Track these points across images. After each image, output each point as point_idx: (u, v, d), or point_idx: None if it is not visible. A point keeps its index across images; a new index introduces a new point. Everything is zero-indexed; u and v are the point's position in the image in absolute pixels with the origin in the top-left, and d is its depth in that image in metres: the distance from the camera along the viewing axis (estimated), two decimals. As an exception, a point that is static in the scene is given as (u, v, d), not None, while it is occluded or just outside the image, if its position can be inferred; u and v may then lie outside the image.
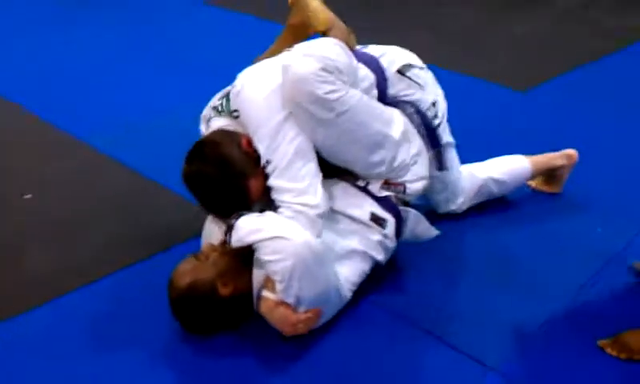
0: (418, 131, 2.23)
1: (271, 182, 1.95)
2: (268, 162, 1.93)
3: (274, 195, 1.95)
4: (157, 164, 2.88)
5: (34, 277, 2.23)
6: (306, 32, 2.24)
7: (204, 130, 2.18)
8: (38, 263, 2.29)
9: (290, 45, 2.14)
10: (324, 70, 1.89)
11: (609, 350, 1.92)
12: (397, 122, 2.13)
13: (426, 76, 2.32)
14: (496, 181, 2.58)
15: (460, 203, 2.52)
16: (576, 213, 2.63)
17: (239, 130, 2.03)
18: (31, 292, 2.16)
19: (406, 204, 2.19)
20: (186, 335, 1.97)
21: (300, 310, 1.86)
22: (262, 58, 2.22)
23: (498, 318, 2.07)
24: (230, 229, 1.90)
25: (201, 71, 3.94)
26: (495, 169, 2.61)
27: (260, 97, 1.96)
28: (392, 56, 2.27)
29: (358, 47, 2.28)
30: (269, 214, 1.93)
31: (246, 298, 1.92)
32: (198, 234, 2.19)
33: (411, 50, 2.36)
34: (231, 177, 1.95)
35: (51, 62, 4.10)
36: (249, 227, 1.87)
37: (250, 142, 1.98)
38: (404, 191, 2.14)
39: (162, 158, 2.89)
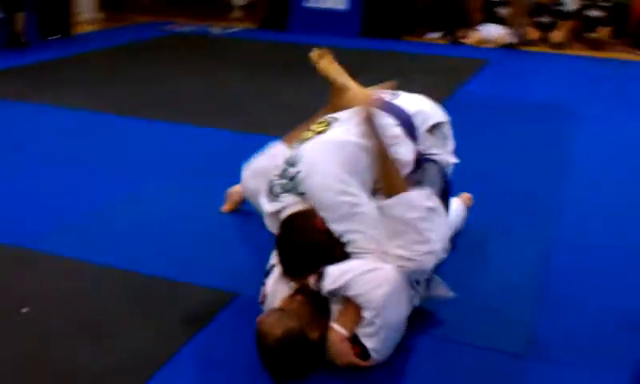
0: (438, 192, 2.33)
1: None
2: (342, 236, 2.15)
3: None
4: (135, 255, 2.90)
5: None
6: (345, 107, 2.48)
7: (270, 201, 2.31)
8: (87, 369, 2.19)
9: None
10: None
11: None
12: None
13: (447, 129, 2.51)
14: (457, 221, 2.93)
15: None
16: (490, 238, 3.05)
17: (307, 206, 2.20)
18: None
19: None
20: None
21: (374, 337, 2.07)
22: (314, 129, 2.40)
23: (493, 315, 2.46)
24: (320, 276, 2.09)
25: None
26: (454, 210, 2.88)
27: (327, 185, 2.17)
28: (425, 113, 2.44)
29: (391, 96, 2.48)
30: (349, 260, 2.13)
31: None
32: (215, 316, 2.42)
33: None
34: (324, 254, 2.14)
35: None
36: (339, 271, 2.09)
37: (322, 221, 2.15)
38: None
39: (139, 247, 2.97)
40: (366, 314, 2.06)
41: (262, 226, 2.41)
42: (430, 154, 2.42)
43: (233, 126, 4.73)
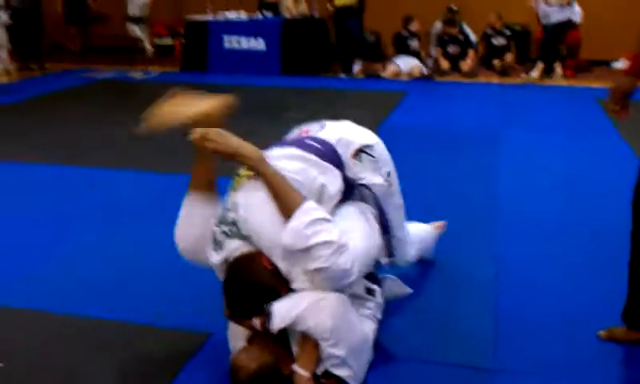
0: (374, 215, 2.40)
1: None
2: (289, 272, 2.17)
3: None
4: (101, 302, 2.90)
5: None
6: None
7: (215, 251, 2.29)
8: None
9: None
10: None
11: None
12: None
13: (378, 149, 2.50)
14: (425, 239, 3.07)
15: (414, 255, 2.85)
16: (437, 260, 3.20)
17: (252, 248, 2.22)
18: None
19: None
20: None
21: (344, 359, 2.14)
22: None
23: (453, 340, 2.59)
24: (268, 316, 2.12)
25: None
26: (423, 230, 3.07)
27: (266, 223, 2.18)
28: (347, 139, 2.43)
29: (315, 127, 2.48)
30: (293, 294, 2.16)
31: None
32: (191, 358, 2.45)
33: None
34: (268, 292, 2.17)
35: None
36: (285, 308, 2.12)
37: (268, 260, 2.18)
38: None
39: (105, 294, 2.96)
40: (323, 346, 2.13)
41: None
42: (359, 179, 2.43)
43: (171, 168, 4.60)
